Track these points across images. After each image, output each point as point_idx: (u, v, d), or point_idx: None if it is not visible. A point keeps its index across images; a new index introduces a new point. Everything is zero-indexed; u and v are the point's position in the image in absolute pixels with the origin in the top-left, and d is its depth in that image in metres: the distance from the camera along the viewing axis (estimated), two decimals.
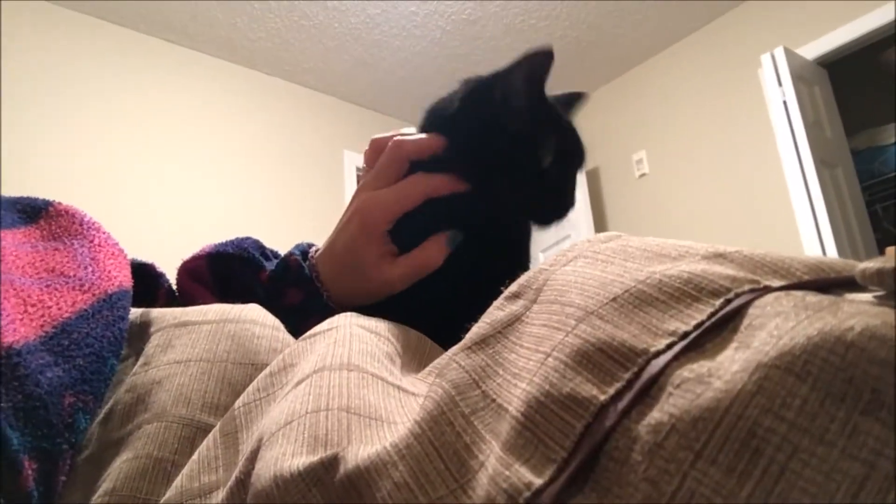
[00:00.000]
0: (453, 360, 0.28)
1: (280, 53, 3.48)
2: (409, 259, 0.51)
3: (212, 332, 0.43)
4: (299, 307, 0.53)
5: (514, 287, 0.31)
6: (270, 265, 0.56)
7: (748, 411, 0.17)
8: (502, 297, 0.31)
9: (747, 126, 3.20)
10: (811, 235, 2.64)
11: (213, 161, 3.38)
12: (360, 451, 0.25)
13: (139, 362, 0.42)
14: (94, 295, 0.41)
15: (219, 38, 3.31)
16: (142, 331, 0.46)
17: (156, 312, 0.47)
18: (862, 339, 0.16)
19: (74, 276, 0.42)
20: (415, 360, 0.40)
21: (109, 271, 0.44)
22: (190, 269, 0.57)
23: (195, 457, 0.33)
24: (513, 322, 0.28)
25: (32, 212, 0.49)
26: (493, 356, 0.27)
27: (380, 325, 0.41)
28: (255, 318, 0.46)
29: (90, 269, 0.43)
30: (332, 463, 0.25)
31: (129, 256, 0.56)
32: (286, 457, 0.26)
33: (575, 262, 0.29)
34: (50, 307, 0.39)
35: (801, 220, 2.70)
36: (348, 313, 0.42)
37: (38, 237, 0.46)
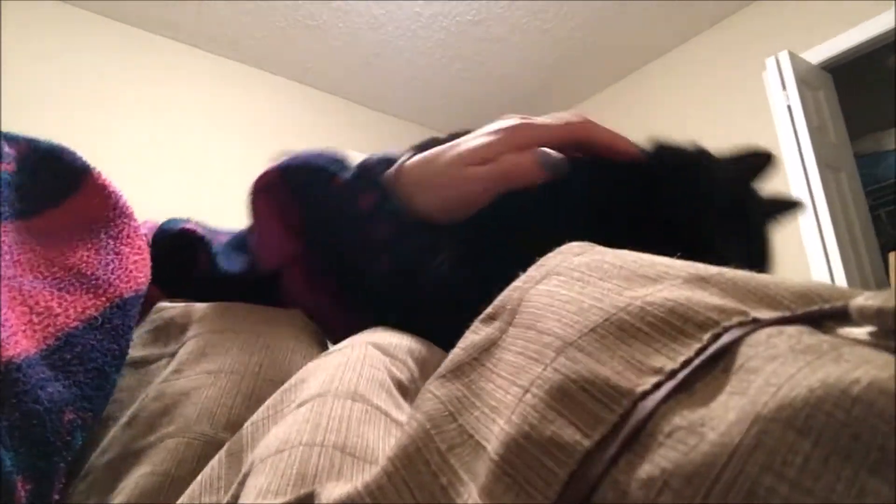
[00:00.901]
0: (428, 391, 0.27)
1: (285, 53, 3.48)
2: (496, 163, 0.43)
3: (247, 343, 0.43)
4: (371, 211, 0.48)
5: (489, 308, 0.29)
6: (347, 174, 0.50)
7: (747, 468, 0.16)
8: (478, 319, 0.29)
9: (751, 130, 3.20)
10: (815, 240, 2.63)
11: (217, 160, 3.38)
12: (335, 490, 0.24)
13: (170, 368, 0.42)
14: (107, 299, 0.40)
15: (224, 36, 3.31)
16: (180, 332, 0.45)
17: (197, 314, 0.46)
18: (870, 394, 0.15)
19: (92, 275, 0.41)
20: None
21: (131, 270, 0.43)
22: (264, 185, 0.51)
23: (199, 477, 0.32)
24: (489, 347, 0.27)
25: (71, 179, 0.45)
26: (469, 385, 0.26)
27: (399, 346, 0.39)
28: (292, 332, 0.45)
29: (111, 266, 0.42)
30: (307, 501, 0.24)
31: (172, 217, 0.56)
32: (269, 493, 0.25)
33: (548, 280, 0.27)
34: (57, 315, 0.38)
35: (805, 225, 2.70)
36: (370, 330, 0.41)
37: (67, 222, 0.44)
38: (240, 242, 0.55)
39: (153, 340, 0.46)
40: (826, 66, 3.02)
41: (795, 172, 2.70)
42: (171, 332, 0.45)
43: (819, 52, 3.00)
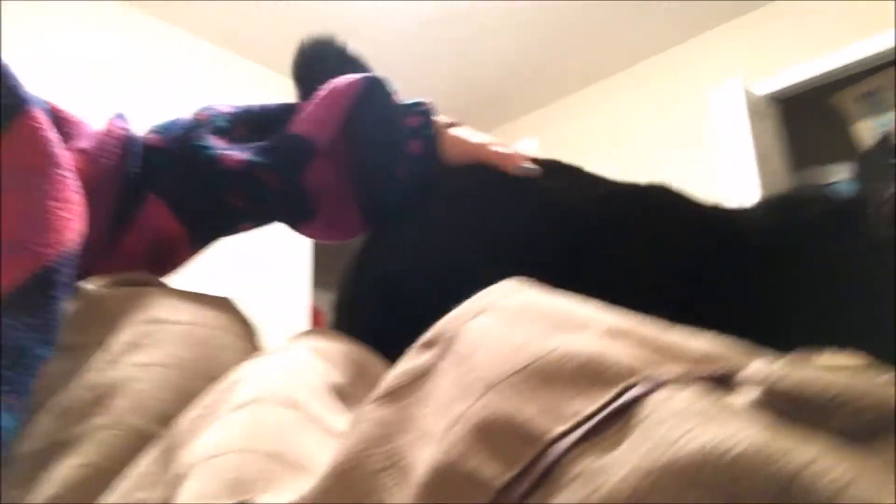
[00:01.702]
0: (363, 412, 0.29)
1: (275, 44, 3.37)
2: (503, 150, 0.62)
3: (181, 336, 0.43)
4: (415, 129, 0.64)
5: (428, 334, 0.31)
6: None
7: None
8: (418, 343, 0.31)
9: (696, 156, 3.24)
10: None
11: None
12: (269, 500, 0.25)
13: (103, 357, 0.41)
14: (25, 270, 0.38)
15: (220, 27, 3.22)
16: (113, 319, 0.44)
17: (131, 300, 0.46)
18: (745, 457, 0.17)
19: (13, 240, 0.38)
20: (371, 389, 0.39)
21: (58, 231, 0.40)
22: (352, 87, 0.62)
23: (133, 472, 0.33)
24: (424, 374, 0.29)
25: (4, 113, 0.41)
26: (402, 409, 0.28)
27: (337, 350, 0.41)
28: (226, 325, 0.46)
29: (36, 227, 0.40)
30: None
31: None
32: (205, 497, 0.26)
33: (484, 315, 0.30)
34: None
35: None
36: (310, 333, 0.42)
37: None
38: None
39: (84, 325, 0.45)
40: (775, 97, 3.11)
41: (739, 200, 2.74)
42: (104, 318, 0.44)
43: (769, 84, 3.08)
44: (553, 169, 0.60)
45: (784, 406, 0.19)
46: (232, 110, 0.63)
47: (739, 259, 0.48)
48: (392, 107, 0.64)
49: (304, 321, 3.38)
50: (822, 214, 0.47)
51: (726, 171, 2.87)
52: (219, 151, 0.57)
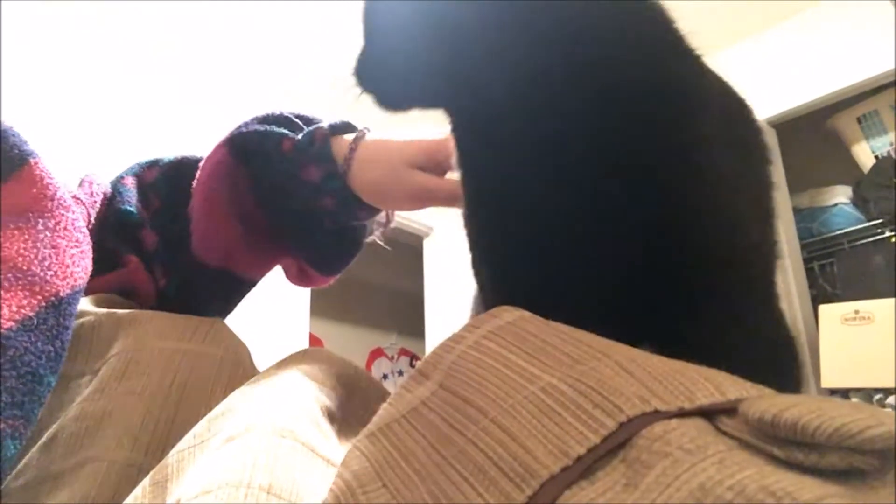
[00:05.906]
0: (357, 448, 0.28)
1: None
2: (450, 183, 0.53)
3: (171, 362, 0.42)
4: (317, 185, 0.54)
5: (421, 365, 0.31)
6: (300, 135, 0.56)
7: None
8: (410, 375, 0.31)
9: None
10: None
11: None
12: None
13: (92, 386, 0.41)
14: (42, 298, 0.38)
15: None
16: (105, 347, 0.44)
17: (122, 326, 0.45)
18: (746, 496, 0.17)
19: (28, 270, 0.39)
20: (362, 408, 0.40)
21: (67, 266, 0.41)
22: (214, 164, 0.56)
23: None
24: (417, 406, 0.29)
25: (6, 166, 0.43)
26: (395, 444, 0.27)
27: (327, 371, 0.40)
28: (215, 350, 0.45)
29: (47, 261, 0.40)
30: None
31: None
32: None
33: (479, 345, 0.29)
34: None
35: None
36: (300, 352, 0.42)
37: (5, 207, 0.42)
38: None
39: (76, 354, 0.44)
40: (772, 122, 3.15)
41: None
42: (93, 345, 0.44)
43: (767, 109, 3.12)
44: None
45: (785, 440, 0.19)
46: (135, 185, 0.64)
47: None
48: (278, 165, 0.55)
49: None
50: None
51: None
52: (145, 225, 0.60)
